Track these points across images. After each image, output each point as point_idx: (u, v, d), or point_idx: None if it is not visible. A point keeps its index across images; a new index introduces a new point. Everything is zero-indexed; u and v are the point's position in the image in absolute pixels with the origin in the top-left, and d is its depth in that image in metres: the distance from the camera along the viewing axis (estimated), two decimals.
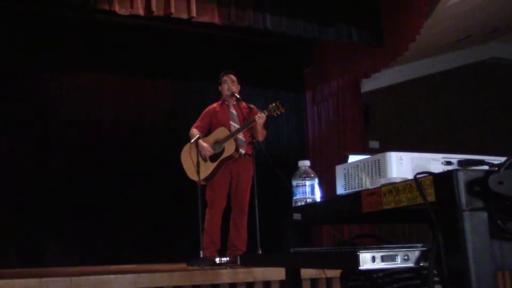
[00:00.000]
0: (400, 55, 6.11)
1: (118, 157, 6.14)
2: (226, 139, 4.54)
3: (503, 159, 1.10)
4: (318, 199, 1.79)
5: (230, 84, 4.70)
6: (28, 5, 5.80)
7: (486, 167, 1.31)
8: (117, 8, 4.80)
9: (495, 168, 1.08)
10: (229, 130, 4.60)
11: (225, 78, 4.75)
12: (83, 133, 6.11)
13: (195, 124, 4.77)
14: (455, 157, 1.40)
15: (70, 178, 5.96)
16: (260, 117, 4.46)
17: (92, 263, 5.59)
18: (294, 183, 1.81)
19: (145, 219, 6.10)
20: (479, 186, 1.04)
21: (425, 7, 5.55)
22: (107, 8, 4.79)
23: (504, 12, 6.31)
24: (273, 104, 4.56)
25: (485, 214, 1.05)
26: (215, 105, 4.84)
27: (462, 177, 1.04)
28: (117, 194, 6.07)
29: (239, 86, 4.77)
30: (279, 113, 4.56)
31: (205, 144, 4.57)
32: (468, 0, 5.68)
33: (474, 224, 1.03)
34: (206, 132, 4.72)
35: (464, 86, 8.21)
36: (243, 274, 3.51)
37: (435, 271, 1.07)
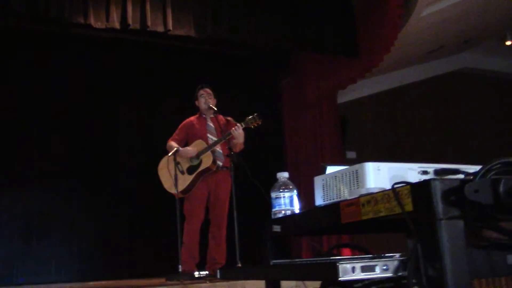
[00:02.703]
0: (375, 66, 6.19)
1: (94, 172, 6.07)
2: (204, 151, 4.53)
3: (478, 167, 1.12)
4: (297, 210, 1.78)
5: (207, 98, 4.71)
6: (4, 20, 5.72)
7: (461, 176, 1.32)
8: (92, 22, 4.78)
9: (470, 177, 1.09)
10: (207, 143, 4.60)
11: (201, 92, 4.76)
12: (57, 148, 6.01)
13: (172, 137, 4.75)
14: (431, 167, 1.42)
15: (44, 192, 5.86)
16: (237, 130, 4.45)
17: (69, 280, 5.49)
18: (273, 195, 1.80)
19: (123, 233, 6.02)
20: (455, 195, 1.05)
21: (399, 20, 5.65)
22: (82, 21, 4.75)
23: (475, 24, 6.45)
24: (250, 116, 4.54)
25: (461, 223, 1.06)
26: (192, 118, 4.83)
27: (438, 186, 1.05)
28: (94, 207, 5.99)
29: (215, 100, 4.78)
30: (256, 125, 4.53)
31: (188, 148, 4.56)
32: (440, 12, 5.79)
33: (451, 232, 1.04)
34: (183, 145, 4.70)
35: (438, 96, 8.35)
36: None
37: (413, 280, 1.08)
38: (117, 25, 4.86)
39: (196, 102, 4.81)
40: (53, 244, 5.72)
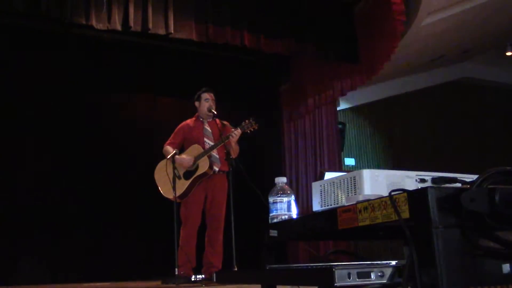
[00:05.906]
0: (375, 74, 6.20)
1: (91, 174, 6.05)
2: (200, 156, 4.52)
3: (475, 177, 1.13)
4: (294, 215, 1.79)
5: (212, 103, 4.70)
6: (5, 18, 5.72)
7: (458, 185, 1.33)
8: (94, 23, 4.77)
9: (467, 186, 1.10)
10: (203, 147, 4.59)
11: (207, 96, 4.73)
12: (55, 148, 6.00)
13: (169, 141, 4.74)
14: (428, 175, 1.42)
15: (41, 194, 5.83)
16: (234, 134, 4.46)
17: (65, 281, 5.47)
18: (270, 199, 1.81)
19: (120, 236, 6.00)
20: (452, 203, 1.06)
21: (400, 27, 5.66)
22: (83, 22, 4.75)
23: (476, 34, 6.48)
24: (247, 121, 4.54)
25: (457, 231, 1.06)
26: (188, 121, 4.82)
27: (435, 195, 1.06)
28: (91, 210, 5.97)
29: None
30: (252, 130, 4.54)
31: (184, 156, 4.55)
32: (442, 22, 5.82)
33: (447, 241, 1.04)
34: (179, 149, 4.69)
35: (438, 105, 8.37)
36: None
37: (409, 287, 1.08)
38: (118, 27, 4.87)
39: (197, 103, 4.79)
40: (49, 245, 5.70)
